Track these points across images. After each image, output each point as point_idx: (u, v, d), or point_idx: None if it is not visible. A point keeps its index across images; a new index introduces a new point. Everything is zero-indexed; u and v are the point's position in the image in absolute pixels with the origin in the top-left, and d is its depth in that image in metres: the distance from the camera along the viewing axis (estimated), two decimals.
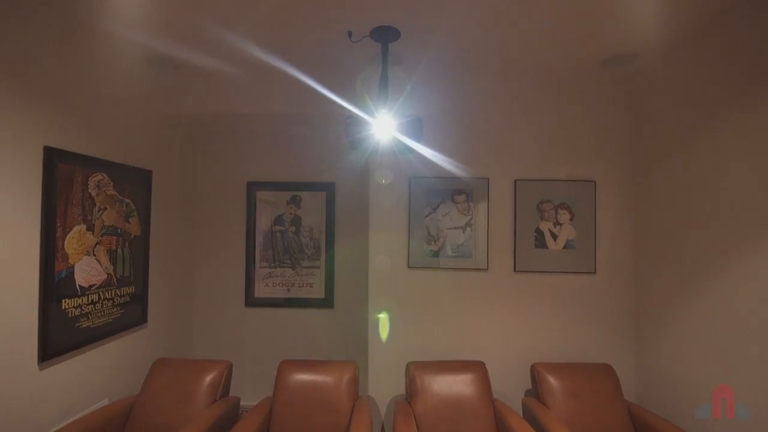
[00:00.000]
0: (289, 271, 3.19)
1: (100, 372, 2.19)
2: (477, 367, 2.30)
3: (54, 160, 1.92)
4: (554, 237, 2.55)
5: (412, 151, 2.21)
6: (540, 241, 2.56)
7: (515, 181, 2.58)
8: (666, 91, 2.28)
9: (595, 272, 2.53)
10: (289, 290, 3.18)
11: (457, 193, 2.61)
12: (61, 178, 1.97)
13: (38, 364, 1.83)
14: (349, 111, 2.21)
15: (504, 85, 2.60)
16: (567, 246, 2.55)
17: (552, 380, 2.22)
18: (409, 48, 2.26)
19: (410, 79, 2.52)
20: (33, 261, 1.82)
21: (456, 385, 2.19)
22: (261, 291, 3.18)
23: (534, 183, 2.58)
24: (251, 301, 3.18)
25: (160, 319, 2.74)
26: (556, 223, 2.55)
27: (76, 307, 2.06)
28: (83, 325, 2.10)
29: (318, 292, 3.18)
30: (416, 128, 2.03)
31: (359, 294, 2.84)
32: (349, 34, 2.11)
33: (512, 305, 2.55)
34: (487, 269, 2.57)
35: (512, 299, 2.55)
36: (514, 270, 2.56)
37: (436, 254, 2.59)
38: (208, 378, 2.22)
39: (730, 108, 1.81)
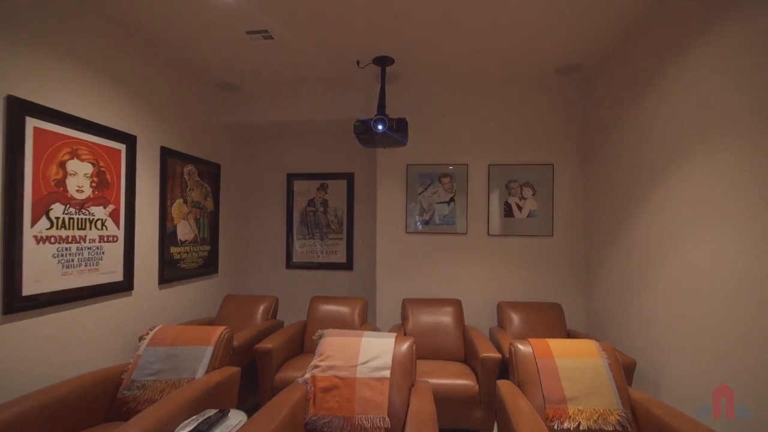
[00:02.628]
0: (319, 241, 4.11)
1: (191, 299, 3.21)
2: (454, 303, 3.06)
3: (165, 155, 2.96)
4: (520, 209, 3.26)
5: (403, 143, 3.03)
6: (508, 212, 3.28)
7: (489, 165, 3.32)
8: (603, 90, 2.94)
9: (552, 235, 3.21)
10: (318, 256, 4.10)
11: (443, 176, 3.39)
12: (169, 167, 3.00)
13: (158, 285, 2.85)
14: (358, 116, 3.09)
15: (479, 90, 3.35)
16: (530, 215, 3.25)
17: (511, 313, 2.94)
18: (401, 69, 3.10)
19: (404, 91, 3.36)
20: (155, 220, 2.85)
21: (436, 313, 2.97)
22: (298, 257, 4.13)
23: (504, 167, 3.30)
24: (291, 264, 4.13)
25: (227, 270, 3.76)
26: (521, 198, 3.26)
27: (177, 253, 3.08)
28: (181, 266, 3.12)
29: (341, 257, 4.07)
30: (403, 127, 2.85)
31: (372, 259, 3.70)
32: (357, 62, 3.00)
33: (485, 261, 3.29)
34: (467, 233, 3.32)
35: (486, 256, 3.29)
36: (488, 234, 3.29)
37: (426, 223, 3.39)
38: (262, 306, 3.16)
39: (644, 98, 2.43)
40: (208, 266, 3.49)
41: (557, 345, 1.89)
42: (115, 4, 2.30)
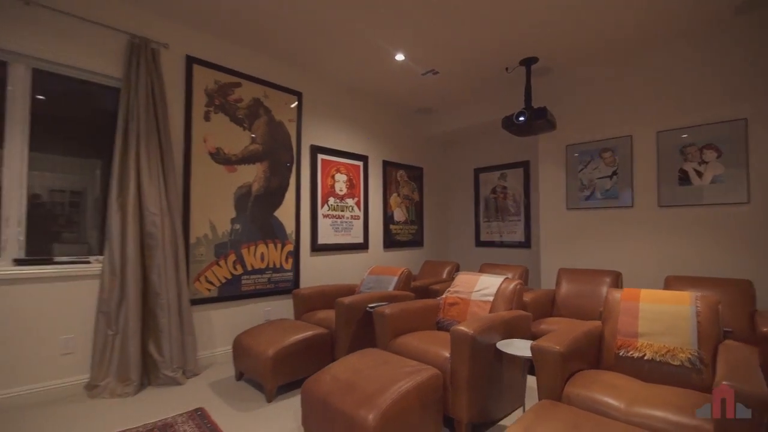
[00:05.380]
0: (500, 223, 4.81)
1: (403, 260, 4.74)
2: (611, 274, 3.12)
3: (386, 165, 4.60)
4: (699, 175, 2.90)
5: (549, 128, 3.42)
6: (684, 180, 2.98)
7: (657, 132, 3.12)
8: None
9: (748, 202, 2.68)
10: (500, 236, 4.81)
11: (604, 151, 3.44)
12: (388, 173, 4.63)
13: (383, 248, 4.50)
14: (513, 111, 3.71)
15: (638, 54, 3.20)
16: (714, 181, 2.83)
17: (681, 287, 2.77)
18: (549, 61, 3.48)
19: (556, 79, 3.66)
20: (380, 207, 4.51)
21: (590, 282, 3.15)
22: (484, 236, 4.98)
23: (676, 132, 3.02)
24: (478, 242, 5.04)
25: (429, 244, 5.12)
26: (701, 162, 2.89)
27: (394, 230, 4.67)
28: (397, 238, 4.69)
29: (519, 236, 4.62)
30: (542, 114, 3.27)
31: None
32: (506, 69, 3.65)
33: (653, 234, 3.10)
34: (632, 206, 3.24)
35: (653, 229, 3.10)
36: (658, 206, 3.10)
37: (587, 198, 3.53)
38: (447, 268, 4.27)
39: None
40: (416, 240, 4.94)
41: (649, 293, 2.01)
42: (341, 74, 4.05)
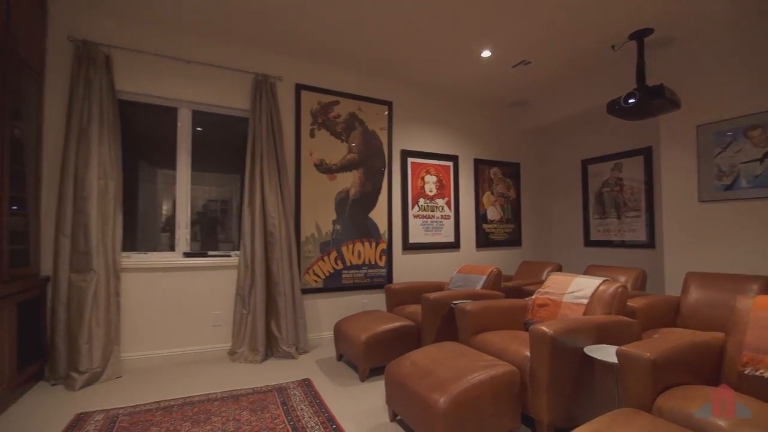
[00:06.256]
0: (615, 220, 4.28)
1: (497, 259, 4.60)
2: (760, 280, 2.54)
3: (477, 164, 4.56)
4: None
5: (669, 107, 2.95)
6: None
7: None
8: None
9: None
10: (616, 234, 4.27)
11: (750, 128, 2.81)
12: (479, 171, 4.58)
13: (475, 248, 4.47)
14: (621, 94, 3.31)
15: None
16: None
17: None
18: (670, 30, 3.02)
19: (679, 51, 3.12)
20: (471, 206, 4.49)
21: (730, 289, 2.61)
22: (594, 235, 4.49)
23: None
24: (588, 242, 4.56)
25: (528, 244, 4.86)
26: None
27: (488, 228, 4.58)
28: (492, 237, 4.59)
29: (639, 235, 4.04)
30: (658, 93, 2.85)
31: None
32: (612, 47, 3.29)
33: None
34: None
35: None
36: None
37: (728, 188, 2.92)
38: (547, 269, 4.01)
39: None
40: (512, 240, 4.75)
41: None
42: (428, 79, 4.16)
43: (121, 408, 2.22)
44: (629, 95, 2.98)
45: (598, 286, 2.37)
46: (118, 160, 2.78)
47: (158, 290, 2.95)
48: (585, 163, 4.63)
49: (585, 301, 2.36)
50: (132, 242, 3.01)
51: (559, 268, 3.99)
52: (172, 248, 3.10)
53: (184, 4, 2.72)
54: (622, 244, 4.21)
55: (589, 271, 3.65)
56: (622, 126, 4.23)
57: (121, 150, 2.82)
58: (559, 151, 4.99)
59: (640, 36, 3.06)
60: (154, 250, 3.07)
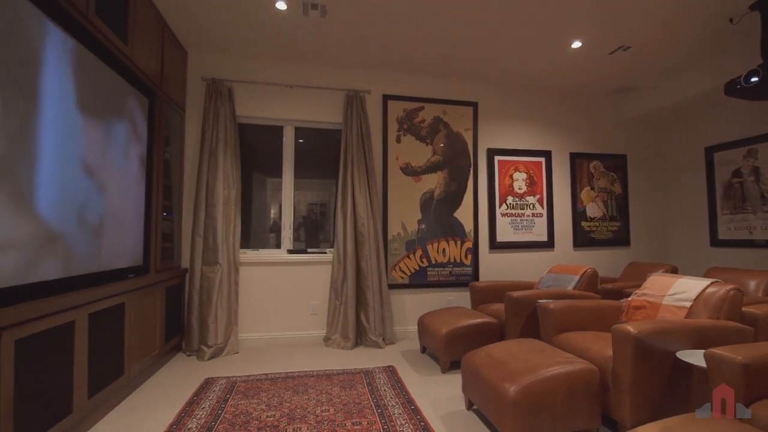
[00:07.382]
0: (751, 216, 3.57)
1: (598, 260, 4.21)
2: None
3: (574, 158, 4.27)
4: None
5: None
6: None
7: None
8: None
9: None
10: (751, 232, 3.56)
11: None
12: (577, 165, 4.27)
13: (572, 247, 4.18)
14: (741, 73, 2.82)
15: None
16: None
17: None
18: None
19: None
20: (568, 203, 4.22)
21: None
22: (723, 233, 3.81)
23: None
24: (716, 241, 3.88)
25: (638, 243, 4.35)
26: None
27: (588, 227, 4.25)
28: (593, 236, 4.24)
29: None
30: None
31: None
32: (731, 20, 2.83)
33: None
34: None
35: None
36: None
37: None
38: (659, 271, 3.56)
39: None
40: (618, 239, 4.30)
41: None
42: (514, 77, 4.04)
43: (239, 376, 2.74)
44: (751, 73, 2.54)
45: (705, 288, 2.10)
46: (237, 173, 3.43)
47: (267, 282, 3.52)
48: (709, 151, 3.96)
49: (688, 304, 2.11)
50: (246, 240, 3.65)
51: (673, 271, 3.51)
52: (278, 246, 3.67)
53: (288, 40, 3.23)
54: (766, 244, 3.49)
55: (709, 273, 3.15)
56: (755, 105, 3.52)
57: (240, 164, 3.46)
58: (675, 139, 4.35)
59: (764, 5, 2.57)
60: (264, 247, 3.67)
